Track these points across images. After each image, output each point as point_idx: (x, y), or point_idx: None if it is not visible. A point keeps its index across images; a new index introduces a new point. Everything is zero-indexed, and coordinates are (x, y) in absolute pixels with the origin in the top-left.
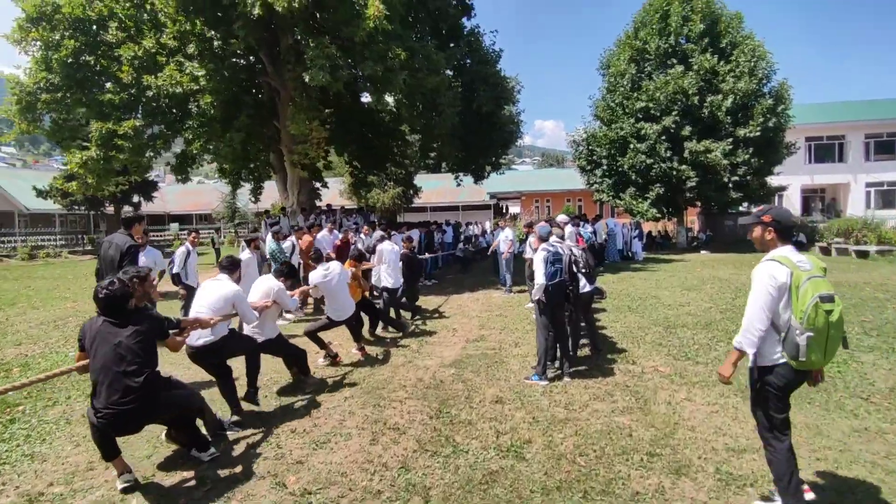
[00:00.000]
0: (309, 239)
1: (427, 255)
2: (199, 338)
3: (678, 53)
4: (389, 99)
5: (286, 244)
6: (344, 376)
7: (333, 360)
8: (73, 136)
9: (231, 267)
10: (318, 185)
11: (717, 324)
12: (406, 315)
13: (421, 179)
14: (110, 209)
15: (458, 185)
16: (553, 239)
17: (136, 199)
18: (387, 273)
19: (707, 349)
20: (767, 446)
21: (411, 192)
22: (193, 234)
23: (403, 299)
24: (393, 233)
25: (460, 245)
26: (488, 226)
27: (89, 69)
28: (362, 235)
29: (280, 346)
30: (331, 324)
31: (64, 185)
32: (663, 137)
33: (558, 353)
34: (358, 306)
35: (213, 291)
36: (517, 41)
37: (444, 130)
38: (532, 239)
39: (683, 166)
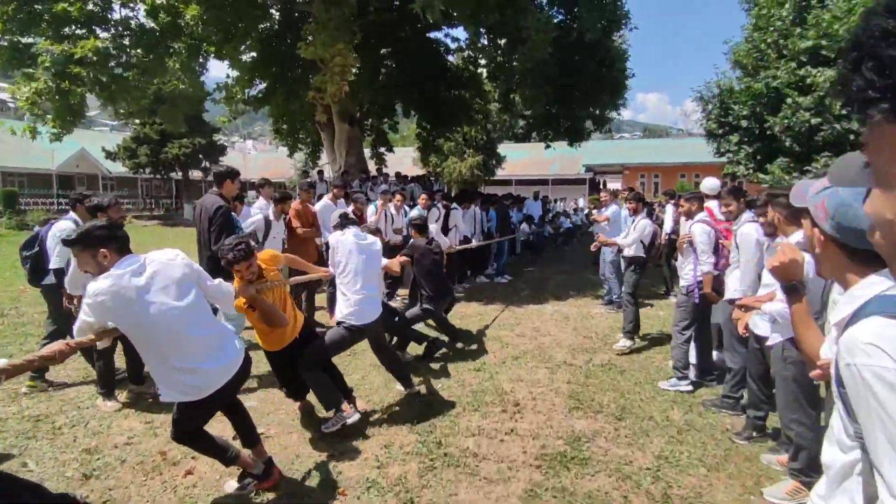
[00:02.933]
0: (297, 207)
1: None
2: None
3: None
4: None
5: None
6: None
7: None
8: (31, 65)
9: None
10: (382, 149)
11: None
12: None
13: (505, 148)
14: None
15: (548, 146)
16: None
17: (204, 163)
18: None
19: None
20: None
21: (493, 161)
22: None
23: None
24: (454, 206)
25: (524, 226)
26: (582, 203)
27: None
28: (392, 208)
29: None
30: None
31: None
32: (839, 87)
33: None
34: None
35: None
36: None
37: (529, 64)
38: None
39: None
